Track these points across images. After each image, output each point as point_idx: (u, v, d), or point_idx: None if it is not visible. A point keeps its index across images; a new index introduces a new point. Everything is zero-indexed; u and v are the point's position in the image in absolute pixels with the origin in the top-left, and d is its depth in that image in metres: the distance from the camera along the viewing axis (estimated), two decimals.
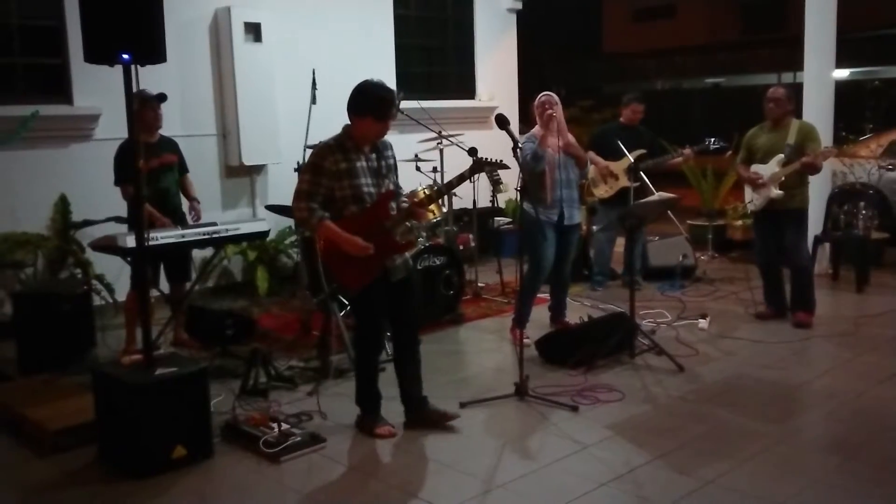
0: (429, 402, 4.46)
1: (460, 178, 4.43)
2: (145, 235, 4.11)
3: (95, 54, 3.78)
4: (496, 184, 7.37)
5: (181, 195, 5.87)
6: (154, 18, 3.84)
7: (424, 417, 4.41)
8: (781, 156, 6.00)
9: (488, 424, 4.43)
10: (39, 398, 4.62)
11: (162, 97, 5.44)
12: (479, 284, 7.53)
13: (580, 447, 4.09)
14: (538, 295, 6.03)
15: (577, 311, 6.50)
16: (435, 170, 7.13)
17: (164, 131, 5.75)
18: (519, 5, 10.10)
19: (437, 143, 7.11)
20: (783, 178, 5.99)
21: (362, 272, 4.16)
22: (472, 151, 5.74)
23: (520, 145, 4.84)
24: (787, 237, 6.13)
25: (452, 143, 6.88)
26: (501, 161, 4.45)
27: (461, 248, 7.49)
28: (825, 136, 6.97)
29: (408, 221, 4.29)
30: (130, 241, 4.56)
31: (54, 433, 4.19)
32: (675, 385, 4.97)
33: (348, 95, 4.18)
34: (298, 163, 6.08)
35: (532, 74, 13.27)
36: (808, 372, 5.22)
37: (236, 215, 7.61)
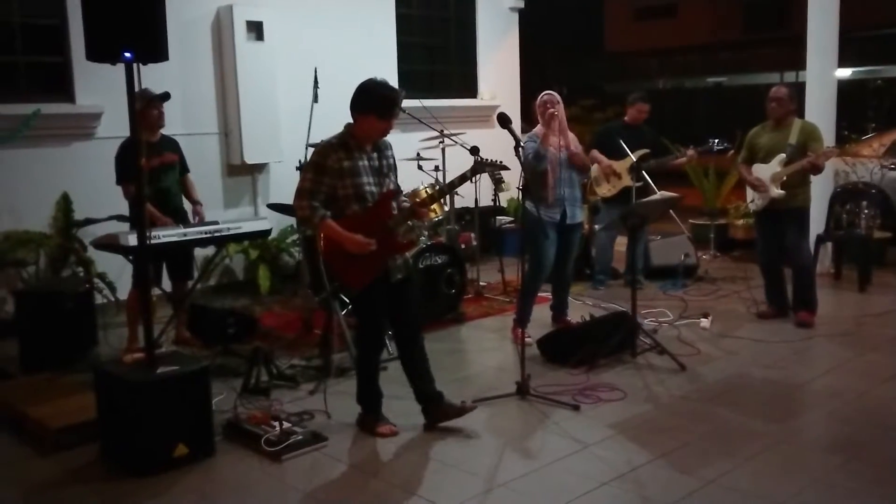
0: (445, 398, 4.43)
1: (461, 179, 4.43)
2: (147, 234, 4.11)
3: (98, 53, 3.78)
4: (498, 183, 7.37)
5: (182, 195, 5.87)
6: (156, 17, 3.84)
7: (443, 413, 4.36)
8: (783, 155, 5.99)
9: (490, 423, 4.43)
10: (41, 396, 4.63)
11: (165, 96, 5.44)
12: (481, 283, 7.53)
13: (582, 446, 4.09)
14: (540, 294, 6.03)
15: (579, 310, 6.50)
16: (437, 168, 7.13)
17: (166, 130, 5.75)
18: (521, 4, 10.10)
19: (439, 142, 7.11)
20: (785, 178, 5.99)
21: (364, 271, 4.16)
22: (474, 150, 5.73)
23: (521, 144, 4.83)
24: (788, 237, 6.12)
25: (454, 143, 6.89)
26: (501, 162, 4.44)
27: (463, 246, 7.49)
28: (827, 136, 6.96)
29: (409, 221, 4.28)
30: (132, 240, 4.57)
31: (56, 431, 4.19)
32: (676, 384, 4.97)
33: (350, 94, 4.18)
34: (300, 161, 6.08)
35: (534, 73, 13.26)
36: (809, 371, 5.21)
37: (238, 214, 7.62)
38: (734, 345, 5.76)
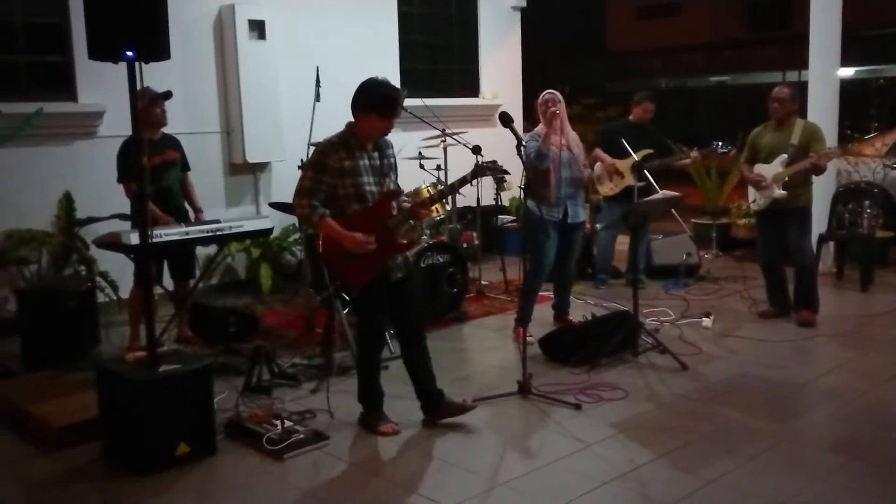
0: (445, 396, 4.44)
1: (462, 182, 4.42)
2: (149, 232, 4.12)
3: (100, 51, 3.78)
4: (500, 182, 7.38)
5: (183, 194, 5.87)
6: (158, 16, 3.85)
7: (443, 411, 4.38)
8: (785, 156, 5.99)
9: (491, 422, 4.43)
10: (43, 395, 4.64)
11: (168, 94, 5.46)
12: (483, 282, 7.53)
13: (583, 445, 4.09)
14: (541, 293, 6.03)
15: (581, 309, 6.50)
16: (438, 167, 7.14)
17: (168, 129, 5.76)
18: (523, 3, 10.09)
19: (441, 141, 7.11)
20: (787, 178, 5.98)
21: (363, 270, 4.17)
22: (476, 149, 5.75)
23: (523, 143, 4.83)
24: (790, 236, 6.11)
25: (456, 142, 6.89)
26: (502, 166, 4.43)
27: (465, 245, 7.49)
28: (830, 135, 6.95)
29: (410, 221, 4.29)
30: (134, 239, 4.58)
31: (58, 430, 4.20)
32: (678, 384, 4.97)
33: (352, 93, 4.18)
34: (302, 160, 6.07)
35: (536, 72, 13.26)
36: (811, 371, 5.21)
37: (240, 213, 7.62)
38: (736, 344, 5.76)
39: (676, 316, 6.46)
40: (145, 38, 3.79)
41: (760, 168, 6.15)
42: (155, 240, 4.42)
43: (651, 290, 7.34)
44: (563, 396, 4.69)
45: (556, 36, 19.65)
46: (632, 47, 24.19)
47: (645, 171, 7.03)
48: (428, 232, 6.53)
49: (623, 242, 7.56)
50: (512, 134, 4.68)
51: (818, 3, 7.63)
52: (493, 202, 8.39)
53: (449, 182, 5.60)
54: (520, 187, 5.11)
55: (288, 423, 4.20)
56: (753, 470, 3.79)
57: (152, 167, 5.39)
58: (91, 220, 6.51)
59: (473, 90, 9.85)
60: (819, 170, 5.96)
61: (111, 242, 4.92)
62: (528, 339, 5.37)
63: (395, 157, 4.38)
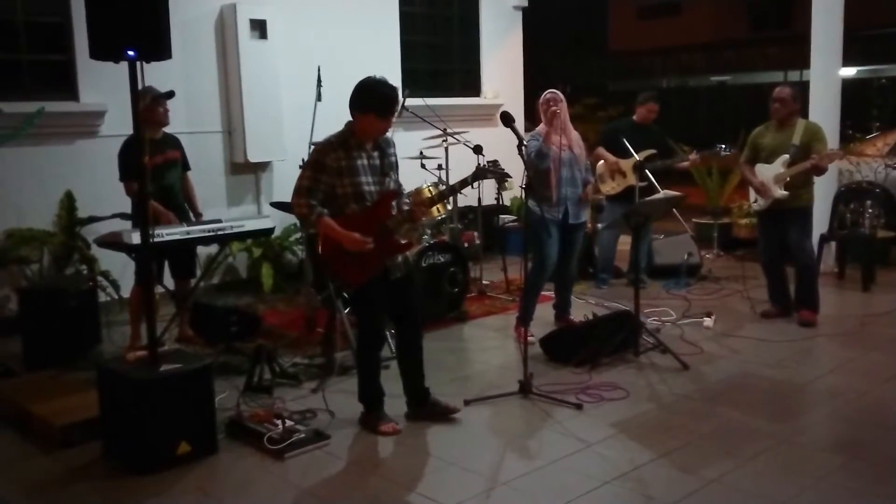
0: (431, 395, 4.49)
1: (462, 184, 4.44)
2: (150, 232, 4.12)
3: (101, 51, 3.78)
4: (501, 181, 7.37)
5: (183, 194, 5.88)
6: (159, 15, 3.85)
7: (427, 410, 4.44)
8: (787, 156, 5.98)
9: (492, 422, 4.43)
10: (45, 394, 4.64)
11: (170, 94, 5.47)
12: (484, 282, 7.53)
13: (584, 445, 4.09)
14: (543, 292, 6.03)
15: (582, 308, 6.50)
16: (440, 167, 7.14)
17: (170, 128, 5.76)
18: (524, 3, 10.09)
19: (442, 141, 7.11)
20: (788, 179, 5.98)
21: (361, 269, 4.18)
22: (478, 149, 5.74)
23: (524, 143, 4.83)
24: (791, 236, 6.11)
25: (457, 141, 6.90)
26: (503, 168, 4.43)
27: (466, 245, 7.49)
28: (831, 135, 6.95)
29: (408, 221, 4.30)
30: (136, 238, 4.58)
31: (59, 429, 4.20)
32: (679, 383, 4.97)
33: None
34: (303, 160, 6.09)
35: (537, 72, 13.25)
36: (812, 371, 5.21)
37: (241, 212, 7.62)
38: (737, 344, 5.76)
39: (678, 316, 6.46)
40: (146, 37, 3.79)
41: (761, 168, 6.14)
42: (156, 239, 4.42)
43: (652, 289, 7.34)
44: (565, 396, 4.69)
45: (557, 36, 19.65)
46: (633, 47, 24.19)
47: (646, 170, 7.03)
48: (429, 231, 6.53)
49: (625, 242, 7.56)
50: (513, 134, 4.68)
51: (819, 2, 7.62)
52: (495, 202, 8.38)
53: (450, 182, 5.59)
54: (521, 187, 5.11)
55: (289, 423, 4.20)
56: (754, 470, 3.79)
57: (154, 166, 5.40)
58: (92, 219, 6.51)
59: (475, 90, 9.85)
60: (820, 170, 5.96)
61: (112, 242, 4.92)
62: (530, 338, 5.37)
63: (396, 156, 4.38)
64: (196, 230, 4.97)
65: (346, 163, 4.11)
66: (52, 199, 6.61)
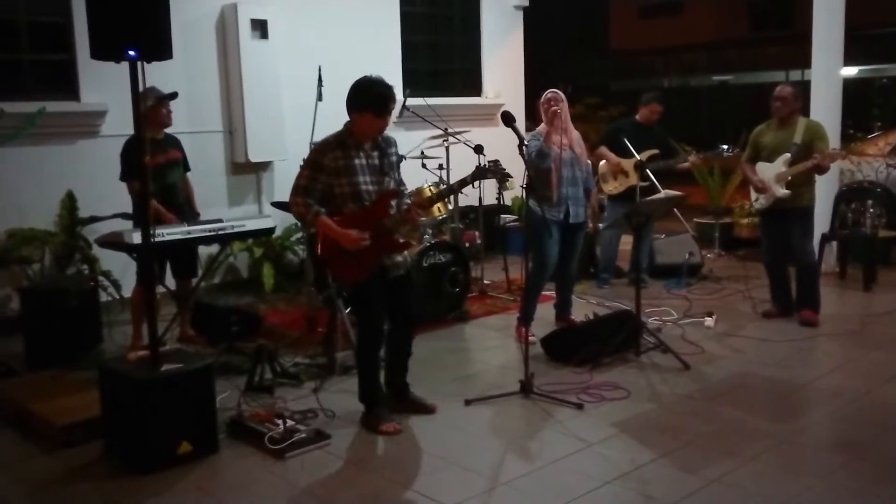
0: (410, 390, 4.58)
1: (461, 184, 4.46)
2: (151, 232, 4.13)
3: (102, 51, 3.78)
4: (502, 181, 7.38)
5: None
6: (160, 15, 3.85)
7: (408, 404, 4.53)
8: (788, 155, 5.98)
9: (493, 422, 4.43)
10: (46, 393, 4.65)
11: (174, 95, 5.49)
12: (485, 282, 7.53)
13: (585, 445, 4.09)
14: (544, 292, 6.03)
15: (583, 308, 6.50)
16: (441, 167, 7.14)
17: (171, 128, 5.76)
18: (525, 2, 10.09)
19: (444, 141, 7.11)
20: (790, 178, 5.97)
21: (359, 267, 4.21)
22: (478, 149, 5.75)
23: (525, 142, 4.83)
24: (793, 235, 6.11)
25: (458, 141, 6.90)
26: (503, 168, 4.43)
27: (467, 245, 7.49)
28: (833, 134, 6.94)
29: (405, 222, 4.31)
30: (137, 238, 4.58)
31: (61, 428, 4.21)
32: (680, 383, 4.97)
33: None
34: (304, 160, 6.09)
35: (539, 72, 13.24)
36: (813, 370, 5.21)
37: (242, 212, 7.63)
38: (738, 344, 5.75)
39: (679, 315, 6.45)
40: (147, 37, 3.79)
41: (763, 167, 6.14)
42: (157, 239, 4.43)
43: (653, 289, 7.34)
44: (566, 396, 4.69)
45: (558, 35, 19.64)
46: (634, 46, 24.18)
47: (647, 170, 7.03)
48: (430, 231, 6.53)
49: (627, 242, 7.57)
50: (514, 133, 4.67)
51: (821, 2, 7.62)
52: (496, 201, 8.39)
53: (451, 181, 5.58)
54: (522, 187, 5.11)
55: (290, 423, 4.20)
56: (755, 469, 3.78)
57: (157, 166, 5.41)
58: (94, 219, 6.52)
59: (476, 90, 9.85)
60: (822, 170, 5.95)
61: (113, 242, 4.92)
62: (531, 338, 5.38)
63: (397, 156, 4.39)
64: (197, 230, 4.97)
65: (343, 162, 4.14)
66: (53, 199, 6.61)
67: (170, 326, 5.49)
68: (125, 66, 3.83)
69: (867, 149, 8.91)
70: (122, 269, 6.31)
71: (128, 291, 6.01)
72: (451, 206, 7.04)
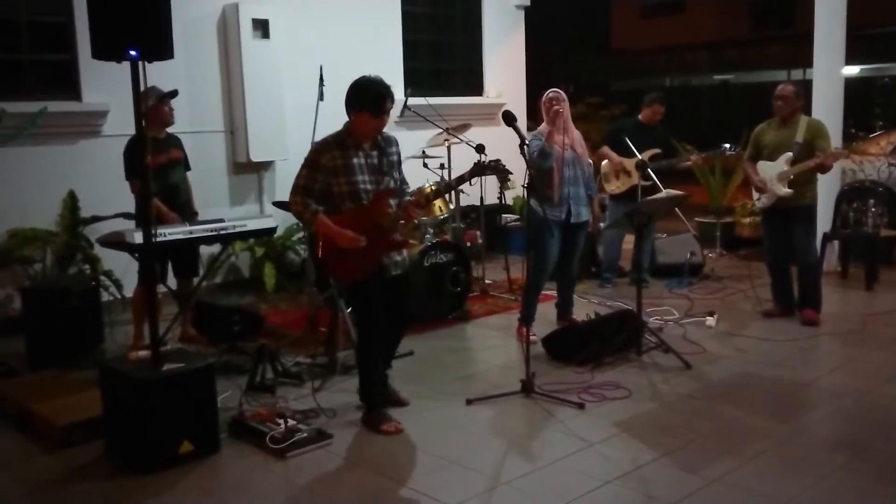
0: (388, 381, 4.65)
1: (459, 180, 4.47)
2: (153, 231, 4.13)
3: (103, 51, 3.78)
4: (504, 181, 7.39)
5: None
6: (161, 15, 3.85)
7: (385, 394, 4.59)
8: (790, 154, 5.97)
9: (494, 421, 4.43)
10: (47, 393, 4.65)
11: (174, 93, 5.49)
12: (486, 281, 7.53)
13: (586, 445, 4.09)
14: (545, 292, 6.03)
15: (585, 308, 6.50)
16: (442, 166, 7.14)
17: (172, 128, 5.76)
18: (527, 2, 10.08)
19: (445, 140, 7.11)
20: (792, 177, 5.97)
21: (357, 266, 4.22)
22: (480, 148, 5.75)
23: (526, 142, 4.83)
24: (795, 235, 6.10)
25: (460, 140, 6.89)
26: (503, 164, 4.43)
27: (468, 244, 7.50)
28: (834, 134, 6.94)
29: (402, 220, 4.33)
30: (138, 237, 4.58)
31: (62, 428, 4.21)
32: (682, 383, 4.96)
33: None
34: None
35: (540, 71, 13.23)
36: (815, 370, 5.20)
37: (244, 212, 7.63)
38: (740, 343, 5.75)
39: (680, 315, 6.45)
40: (148, 37, 3.79)
41: (764, 165, 6.13)
42: (158, 238, 4.43)
43: (655, 288, 7.34)
44: (567, 395, 4.69)
45: (560, 34, 19.63)
46: (636, 46, 24.17)
47: (648, 169, 7.02)
48: (432, 231, 6.53)
49: (629, 241, 7.56)
50: (515, 133, 4.67)
51: (822, 1, 7.62)
52: (497, 201, 8.39)
53: (446, 182, 5.58)
54: (523, 186, 5.11)
55: (291, 422, 4.21)
56: (756, 469, 3.78)
57: (159, 165, 5.42)
58: (95, 218, 6.52)
59: (477, 89, 9.85)
60: (825, 169, 5.95)
61: (115, 241, 4.93)
62: (532, 338, 5.39)
63: (398, 155, 4.40)
64: (198, 230, 4.97)
65: (341, 162, 4.16)
66: (54, 199, 6.62)
67: (171, 326, 5.49)
68: (126, 65, 3.83)
69: (869, 148, 8.91)
70: (124, 269, 6.31)
71: (129, 291, 6.01)
72: (452, 206, 7.04)
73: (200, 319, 5.84)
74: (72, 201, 6.64)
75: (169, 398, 3.89)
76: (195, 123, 7.26)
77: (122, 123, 6.45)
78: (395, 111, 5.94)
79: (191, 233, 4.92)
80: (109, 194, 6.17)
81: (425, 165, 7.11)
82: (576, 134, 5.86)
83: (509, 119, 4.72)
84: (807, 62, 8.06)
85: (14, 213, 6.43)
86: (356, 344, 4.67)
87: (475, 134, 7.05)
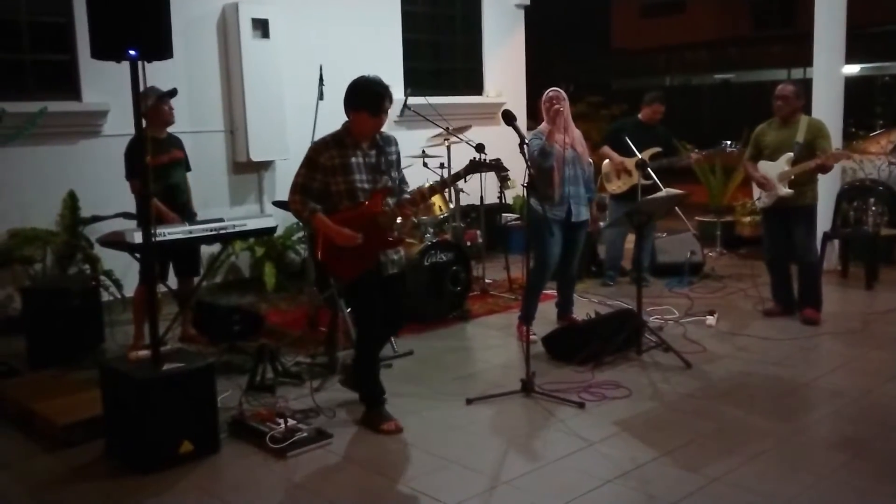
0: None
1: (455, 178, 4.51)
2: (153, 231, 4.13)
3: (103, 50, 3.78)
4: (504, 180, 7.38)
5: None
6: (161, 15, 3.85)
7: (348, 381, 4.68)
8: (791, 154, 5.97)
9: (494, 421, 4.43)
10: (48, 393, 4.65)
11: (173, 92, 5.49)
12: (487, 281, 7.53)
13: (586, 444, 4.09)
14: (545, 291, 6.03)
15: (585, 307, 6.50)
16: (442, 166, 7.13)
17: (172, 127, 5.76)
18: (527, 1, 10.08)
19: (445, 140, 7.10)
20: (793, 177, 5.96)
21: (354, 264, 4.23)
22: (480, 147, 5.74)
23: (526, 141, 4.83)
24: (796, 234, 6.10)
25: (459, 140, 6.89)
26: (501, 161, 4.43)
27: (468, 244, 7.49)
28: (835, 133, 6.94)
29: (398, 218, 4.34)
30: (138, 237, 4.58)
31: (62, 428, 4.21)
32: (682, 382, 4.96)
33: None
34: None
35: (540, 70, 13.24)
36: (815, 369, 5.20)
37: (244, 211, 7.63)
38: (740, 342, 5.75)
39: (680, 314, 6.45)
40: (148, 37, 3.79)
41: (765, 165, 6.13)
42: (158, 238, 4.43)
43: (655, 288, 7.34)
44: (567, 395, 4.69)
45: (560, 34, 19.64)
46: (636, 45, 24.18)
47: (648, 169, 7.02)
48: (432, 230, 6.53)
49: (631, 241, 7.55)
50: (515, 132, 4.67)
51: (822, 0, 7.61)
52: (497, 200, 8.38)
53: (440, 179, 5.56)
54: (523, 185, 5.11)
55: (291, 422, 4.21)
56: (757, 468, 3.78)
57: (161, 165, 5.42)
58: (95, 218, 6.52)
59: (477, 89, 9.85)
60: (826, 169, 5.95)
61: (115, 241, 4.93)
62: (532, 337, 5.38)
63: (397, 154, 4.41)
64: (198, 229, 4.98)
65: (339, 161, 4.18)
66: (55, 199, 6.62)
67: (171, 326, 5.49)
68: (126, 65, 3.83)
69: (869, 147, 8.91)
70: (124, 269, 6.32)
71: (129, 291, 6.01)
72: (452, 205, 7.04)
73: (201, 319, 5.84)
74: (72, 201, 6.64)
75: (169, 398, 3.89)
76: (195, 123, 7.26)
77: (122, 123, 6.45)
78: (394, 111, 5.95)
79: (191, 233, 4.93)
80: (110, 194, 6.17)
81: (425, 165, 7.11)
82: (576, 133, 5.86)
83: (509, 118, 4.72)
84: (807, 61, 8.06)
85: (14, 213, 6.43)
86: (355, 343, 4.67)
87: (475, 133, 7.04)
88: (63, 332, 5.48)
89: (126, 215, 5.95)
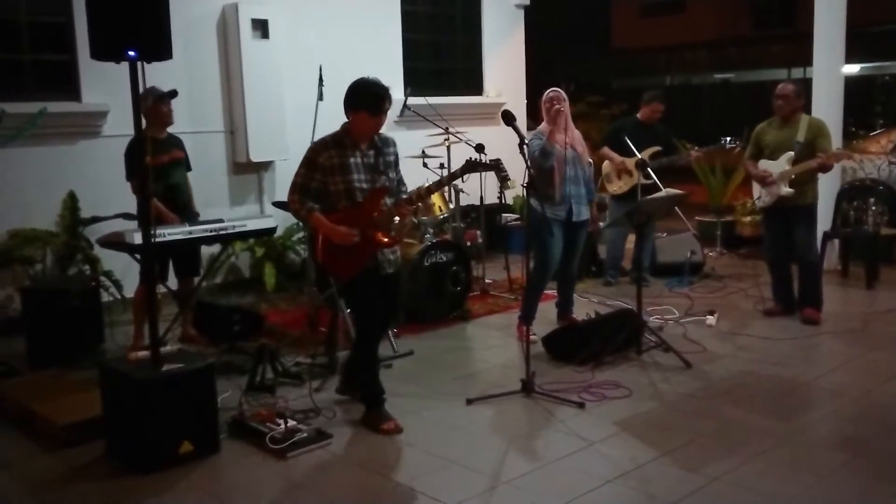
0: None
1: (451, 177, 4.52)
2: (153, 232, 4.13)
3: (102, 51, 3.78)
4: (504, 180, 7.37)
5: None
6: (161, 15, 3.85)
7: (353, 386, 4.64)
8: (791, 153, 5.97)
9: (494, 421, 4.43)
10: (48, 393, 4.65)
11: (173, 93, 5.49)
12: (487, 281, 7.53)
13: (586, 444, 4.09)
14: (545, 291, 6.03)
15: (585, 307, 6.50)
16: (442, 166, 7.13)
17: (172, 128, 5.76)
18: (527, 1, 10.08)
19: (444, 140, 7.10)
20: (793, 176, 5.96)
21: (351, 263, 4.25)
22: (479, 147, 5.75)
23: (526, 142, 4.83)
24: (796, 233, 6.10)
25: (459, 140, 6.89)
26: (499, 162, 4.43)
27: (469, 244, 7.49)
28: (835, 132, 6.93)
29: (396, 218, 4.35)
30: (138, 238, 4.58)
31: (62, 428, 4.21)
32: (682, 382, 4.96)
33: None
34: None
35: (540, 70, 13.23)
36: (815, 369, 5.20)
37: (244, 212, 7.63)
38: (740, 342, 5.75)
39: (680, 314, 6.45)
40: (147, 37, 3.79)
41: (765, 165, 6.13)
42: (158, 239, 4.43)
43: (655, 287, 7.33)
44: (567, 395, 4.69)
45: (560, 33, 19.63)
46: (636, 45, 24.16)
47: (648, 168, 7.02)
48: (432, 230, 6.53)
49: (631, 240, 7.55)
50: (515, 132, 4.67)
51: (823, 0, 7.61)
52: (497, 200, 8.38)
53: (437, 179, 5.56)
54: (523, 185, 5.11)
55: (291, 422, 4.21)
56: (757, 468, 3.78)
57: (161, 165, 5.42)
58: (95, 219, 6.52)
59: (477, 89, 9.84)
60: (826, 169, 5.95)
61: (115, 242, 4.93)
62: (532, 337, 5.38)
63: (396, 155, 4.42)
64: (198, 230, 4.98)
65: (338, 161, 4.20)
66: (54, 200, 6.62)
67: (171, 326, 5.49)
68: (126, 66, 3.83)
69: (869, 146, 8.92)
70: (124, 270, 6.31)
71: (129, 291, 6.01)
72: (452, 206, 7.04)
73: (201, 319, 5.84)
74: (72, 202, 6.64)
75: (169, 398, 3.89)
76: (195, 123, 7.26)
77: (121, 124, 6.44)
78: (394, 111, 5.94)
79: (191, 233, 4.93)
80: (109, 194, 6.17)
81: (425, 165, 7.11)
82: (576, 133, 5.86)
83: (509, 118, 4.72)
84: (807, 61, 8.06)
85: (14, 214, 6.43)
86: (354, 343, 4.67)
87: (475, 133, 7.04)
88: (63, 333, 5.48)
89: (126, 216, 5.95)
